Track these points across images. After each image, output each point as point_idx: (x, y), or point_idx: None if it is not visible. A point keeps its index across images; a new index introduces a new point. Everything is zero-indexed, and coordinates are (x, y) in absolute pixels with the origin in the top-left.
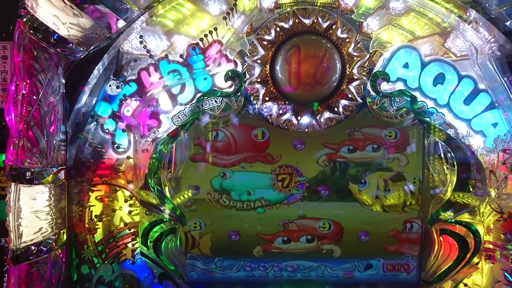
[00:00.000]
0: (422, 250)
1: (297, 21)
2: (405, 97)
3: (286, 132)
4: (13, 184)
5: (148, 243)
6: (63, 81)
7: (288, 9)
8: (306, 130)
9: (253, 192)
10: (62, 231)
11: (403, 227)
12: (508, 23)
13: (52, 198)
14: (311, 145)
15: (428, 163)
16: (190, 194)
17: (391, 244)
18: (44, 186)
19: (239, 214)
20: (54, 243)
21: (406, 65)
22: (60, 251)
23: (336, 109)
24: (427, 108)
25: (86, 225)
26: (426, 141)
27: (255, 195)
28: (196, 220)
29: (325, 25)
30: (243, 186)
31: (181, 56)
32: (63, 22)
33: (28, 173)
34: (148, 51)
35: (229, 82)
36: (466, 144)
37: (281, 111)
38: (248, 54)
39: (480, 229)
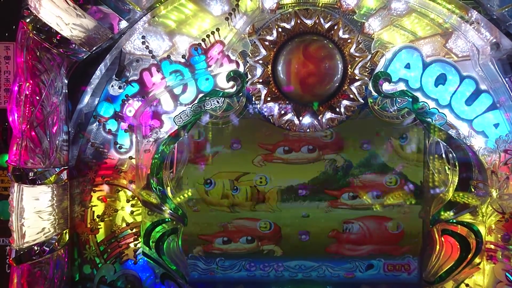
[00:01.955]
0: (423, 251)
1: (299, 21)
2: (406, 97)
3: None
4: (16, 185)
5: (150, 243)
6: (66, 81)
7: (290, 10)
8: (308, 130)
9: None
10: (64, 231)
11: (343, 228)
12: (509, 24)
13: (55, 198)
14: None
15: (429, 163)
16: (190, 194)
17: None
18: (46, 186)
19: None
20: (56, 243)
21: (407, 66)
22: (62, 251)
23: (337, 109)
24: (429, 109)
25: (88, 225)
26: (427, 142)
27: None
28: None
29: (327, 25)
30: None
31: (183, 56)
32: (66, 23)
33: (31, 174)
34: (150, 51)
35: (231, 83)
36: (468, 144)
37: (282, 112)
38: (250, 54)
39: (482, 230)
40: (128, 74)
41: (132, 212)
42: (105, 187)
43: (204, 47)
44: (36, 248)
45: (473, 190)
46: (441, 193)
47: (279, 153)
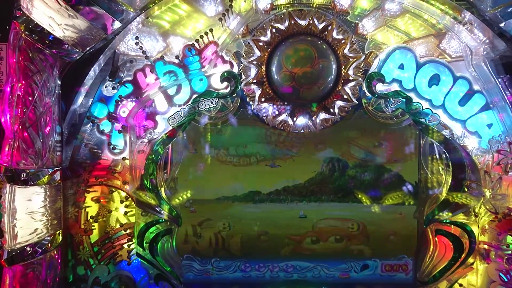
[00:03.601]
0: (418, 251)
1: (292, 22)
2: (400, 98)
3: None
4: (8, 185)
5: (144, 244)
6: (59, 82)
7: (284, 11)
8: (302, 131)
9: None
10: (57, 232)
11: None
12: (502, 25)
13: (48, 199)
14: None
15: (424, 164)
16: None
17: None
18: (39, 187)
19: None
20: (49, 244)
21: (401, 66)
22: (55, 252)
23: (331, 110)
24: (422, 109)
25: (82, 226)
26: (421, 142)
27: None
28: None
29: (320, 26)
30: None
31: (177, 57)
32: (59, 24)
33: (23, 174)
34: (144, 52)
35: (225, 83)
36: (461, 144)
37: (277, 112)
38: (244, 55)
39: (475, 230)
40: (122, 75)
41: (126, 213)
42: (99, 188)
43: (198, 47)
44: (28, 249)
45: (466, 190)
46: (435, 194)
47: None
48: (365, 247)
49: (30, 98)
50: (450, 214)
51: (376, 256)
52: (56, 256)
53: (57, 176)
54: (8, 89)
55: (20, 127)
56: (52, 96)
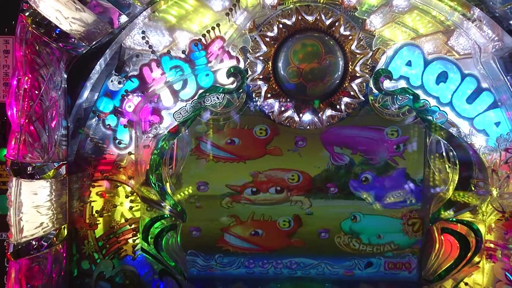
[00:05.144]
0: (423, 249)
1: (300, 18)
2: (407, 95)
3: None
4: (14, 179)
5: (149, 239)
6: (65, 76)
7: (291, 6)
8: (308, 127)
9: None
10: (63, 226)
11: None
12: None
13: (53, 193)
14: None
15: (429, 161)
16: (190, 191)
17: None
18: (45, 181)
19: None
20: (55, 238)
21: (409, 63)
22: (60, 246)
23: (338, 106)
24: (430, 107)
25: (87, 221)
26: (428, 140)
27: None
28: None
29: (328, 22)
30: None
31: (183, 52)
32: (66, 17)
33: (29, 168)
34: (150, 46)
35: (231, 79)
36: (468, 143)
37: (283, 108)
38: (251, 50)
39: (482, 228)
40: (128, 69)
41: (131, 208)
42: (104, 183)
43: (205, 42)
44: (34, 242)
45: (473, 188)
46: (441, 192)
47: (247, 194)
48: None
49: (36, 92)
50: (456, 212)
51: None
52: (61, 250)
53: (63, 170)
54: (15, 82)
55: (27, 120)
56: (58, 90)
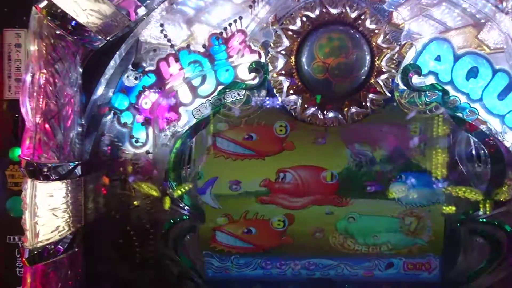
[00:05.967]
0: (445, 249)
1: (324, 10)
2: (436, 91)
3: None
4: (29, 181)
5: (168, 241)
6: (81, 71)
7: None
8: (332, 124)
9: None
10: (79, 229)
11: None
12: None
13: (69, 195)
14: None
15: (458, 160)
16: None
17: None
18: (61, 182)
19: None
20: (71, 242)
21: (438, 58)
22: (76, 250)
23: (364, 103)
24: (460, 103)
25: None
26: (456, 138)
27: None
28: None
29: (353, 15)
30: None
31: (204, 46)
32: (83, 9)
33: (45, 169)
34: (169, 40)
35: (253, 74)
36: (501, 140)
37: (306, 105)
38: (272, 44)
39: None
40: (144, 64)
41: (149, 209)
42: (120, 183)
43: (225, 36)
44: (50, 247)
45: (506, 188)
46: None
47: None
48: None
49: (51, 88)
50: (487, 212)
51: None
52: (78, 254)
53: (78, 170)
54: (29, 78)
55: (42, 119)
56: (74, 86)
